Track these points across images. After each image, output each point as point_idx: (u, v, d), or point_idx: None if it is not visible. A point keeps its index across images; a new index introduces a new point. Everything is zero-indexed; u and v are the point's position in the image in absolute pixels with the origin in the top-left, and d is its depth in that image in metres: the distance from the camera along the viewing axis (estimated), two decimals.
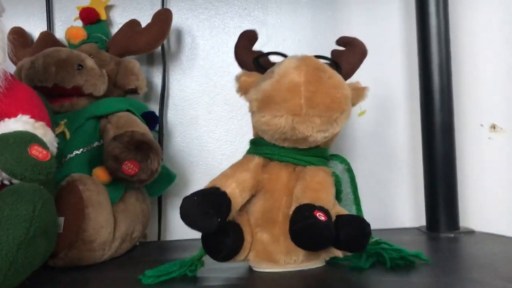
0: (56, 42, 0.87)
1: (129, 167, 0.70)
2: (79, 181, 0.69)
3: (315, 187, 0.59)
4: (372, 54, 0.91)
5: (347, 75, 0.67)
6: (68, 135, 0.75)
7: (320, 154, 0.64)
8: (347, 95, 0.60)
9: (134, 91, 0.84)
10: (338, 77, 0.61)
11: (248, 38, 0.72)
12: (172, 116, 0.93)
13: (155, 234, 0.90)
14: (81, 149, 0.75)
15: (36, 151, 0.53)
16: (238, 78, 0.65)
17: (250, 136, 0.68)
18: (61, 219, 0.66)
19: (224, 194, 0.58)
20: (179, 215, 0.56)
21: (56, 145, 0.61)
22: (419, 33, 0.83)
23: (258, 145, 0.64)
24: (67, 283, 0.62)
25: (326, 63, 0.65)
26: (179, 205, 0.57)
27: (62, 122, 0.75)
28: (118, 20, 0.93)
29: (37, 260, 0.55)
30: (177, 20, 0.92)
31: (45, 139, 0.57)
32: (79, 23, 0.88)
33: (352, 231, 0.57)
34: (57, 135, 0.65)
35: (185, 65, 0.94)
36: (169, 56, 0.93)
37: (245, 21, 0.93)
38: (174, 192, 0.91)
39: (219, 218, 0.56)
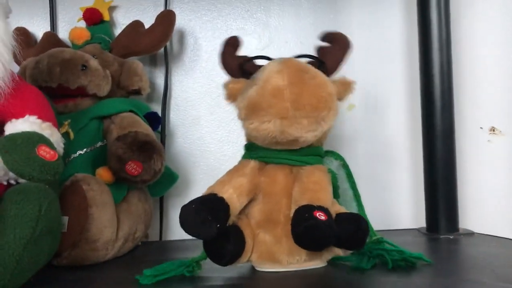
0: (60, 43, 0.88)
1: (132, 168, 0.71)
2: (82, 181, 0.69)
3: (312, 187, 0.60)
4: (374, 56, 0.93)
5: (332, 70, 0.67)
6: (72, 135, 0.75)
7: (314, 152, 0.64)
8: (332, 93, 0.61)
9: (137, 92, 0.84)
10: (322, 76, 0.62)
11: (232, 44, 0.72)
12: (174, 117, 0.94)
13: (157, 234, 0.91)
14: (85, 149, 0.76)
15: (43, 152, 0.54)
16: (225, 86, 0.66)
17: None
18: (65, 219, 0.66)
19: (221, 200, 0.59)
20: None
21: (62, 145, 0.62)
22: (420, 36, 0.84)
23: (252, 149, 0.65)
24: (71, 282, 0.63)
25: (310, 61, 0.65)
26: (180, 205, 0.58)
27: (66, 122, 0.76)
28: (122, 21, 0.93)
29: (42, 259, 0.56)
30: (180, 21, 0.93)
31: (52, 140, 0.58)
32: (83, 24, 0.88)
33: (349, 229, 0.58)
34: (61, 135, 0.65)
35: (187, 66, 0.94)
36: (172, 57, 0.94)
37: (248, 23, 0.94)
38: (176, 193, 0.91)
39: (218, 224, 0.56)
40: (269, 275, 0.61)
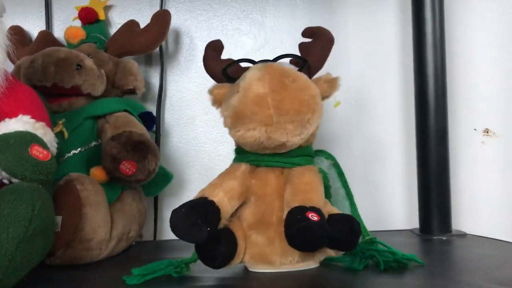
0: (55, 42, 0.88)
1: (126, 167, 0.71)
2: (76, 180, 0.69)
3: (304, 188, 0.60)
4: (369, 57, 0.93)
5: (316, 68, 0.67)
6: (66, 134, 0.75)
7: (303, 153, 0.64)
8: (315, 94, 0.61)
9: (132, 92, 0.84)
10: (303, 78, 0.62)
11: (214, 48, 0.72)
12: (169, 116, 0.94)
13: (151, 233, 0.91)
14: (79, 149, 0.76)
15: (36, 151, 0.54)
16: (211, 92, 0.66)
17: None
18: (59, 218, 0.66)
19: (212, 203, 0.59)
20: None
21: (56, 145, 0.62)
22: (414, 38, 0.85)
23: (242, 153, 0.65)
24: (64, 281, 0.63)
25: (294, 60, 0.65)
26: (175, 205, 0.58)
27: (60, 122, 0.76)
28: (117, 21, 0.93)
29: (35, 259, 0.56)
30: (176, 21, 0.93)
31: (45, 139, 0.58)
32: (78, 23, 0.88)
33: (341, 230, 0.58)
34: (55, 135, 0.65)
35: (182, 66, 0.94)
36: (167, 57, 0.94)
37: (243, 23, 0.94)
38: (170, 192, 0.91)
39: (208, 228, 0.56)
40: (261, 276, 0.61)
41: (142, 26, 0.86)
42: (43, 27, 0.93)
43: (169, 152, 0.93)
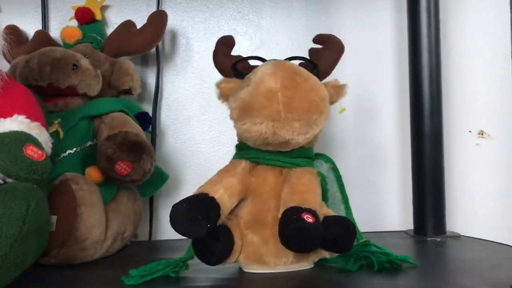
0: (51, 41, 0.87)
1: (122, 167, 0.71)
2: (72, 180, 0.69)
3: (301, 189, 0.60)
4: (364, 59, 0.93)
5: (325, 73, 0.68)
6: (61, 134, 0.75)
7: (304, 154, 0.65)
8: (324, 96, 0.62)
9: (128, 92, 0.84)
10: (314, 79, 0.62)
11: (225, 44, 0.72)
12: (165, 117, 0.94)
13: (146, 233, 0.91)
14: (74, 149, 0.76)
15: (31, 151, 0.54)
16: (218, 85, 0.66)
17: None
18: (54, 218, 0.66)
19: (212, 199, 0.59)
20: None
21: (51, 145, 0.62)
22: (410, 40, 0.85)
23: (243, 149, 0.65)
24: (58, 281, 0.63)
25: (303, 63, 0.66)
26: (170, 205, 0.58)
27: (56, 122, 0.76)
28: (113, 21, 0.93)
29: (29, 258, 0.56)
30: (172, 21, 0.93)
31: (40, 139, 0.58)
32: (74, 23, 0.88)
33: (337, 232, 0.58)
34: (50, 134, 0.65)
35: (179, 67, 0.94)
36: (164, 57, 0.94)
37: (240, 24, 0.94)
38: (165, 192, 0.91)
39: (208, 224, 0.57)
40: (255, 276, 0.61)
41: (138, 26, 0.86)
42: (39, 26, 0.93)
43: (165, 152, 0.93)
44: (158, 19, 0.85)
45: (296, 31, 0.94)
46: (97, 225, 0.70)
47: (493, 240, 0.78)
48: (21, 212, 0.52)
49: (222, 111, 0.93)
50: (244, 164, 0.64)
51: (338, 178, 0.68)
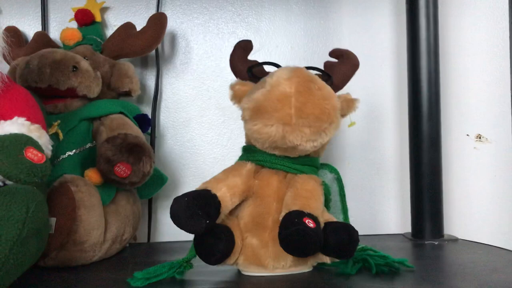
0: (51, 43, 0.87)
1: (121, 170, 0.71)
2: (71, 182, 0.70)
3: (305, 194, 0.60)
4: (362, 63, 0.92)
5: (338, 86, 0.69)
6: (61, 136, 0.75)
7: (310, 163, 0.65)
8: (336, 107, 0.62)
9: (128, 94, 0.85)
10: (328, 88, 0.63)
11: (243, 47, 0.73)
12: (165, 119, 0.94)
13: (145, 235, 0.91)
14: (74, 150, 0.76)
15: (31, 154, 0.54)
16: (232, 87, 0.67)
17: (242, 140, 0.69)
18: (53, 220, 0.66)
19: (214, 196, 0.59)
20: (169, 217, 0.57)
21: (51, 147, 0.62)
22: (409, 44, 0.85)
23: (250, 152, 0.65)
24: (57, 283, 0.63)
25: (318, 74, 0.66)
26: (169, 207, 0.58)
27: (55, 123, 0.76)
28: (113, 23, 0.93)
29: (29, 261, 0.56)
30: (172, 24, 0.93)
31: (40, 142, 0.58)
32: (74, 24, 0.88)
33: (340, 237, 0.59)
34: (50, 136, 0.65)
35: (178, 69, 0.94)
36: (163, 59, 0.94)
37: (239, 27, 0.95)
38: (164, 194, 0.91)
39: (208, 221, 0.57)
40: (254, 279, 0.61)
41: (138, 28, 0.86)
42: (39, 28, 0.93)
43: (164, 154, 0.93)
44: (158, 21, 0.85)
45: (295, 34, 0.94)
46: (96, 227, 0.70)
47: (491, 244, 0.78)
48: (20, 214, 0.52)
49: (221, 113, 0.94)
50: (249, 166, 0.64)
51: (341, 189, 0.69)
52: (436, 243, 0.80)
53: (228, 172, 0.63)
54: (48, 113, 0.77)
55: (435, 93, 0.83)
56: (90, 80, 0.79)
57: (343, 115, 0.65)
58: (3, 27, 0.65)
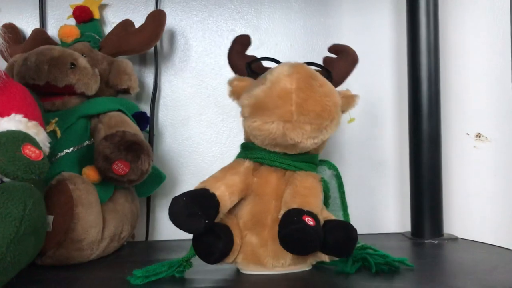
0: (49, 40, 0.87)
1: (119, 167, 0.71)
2: (69, 180, 0.69)
3: (304, 192, 0.60)
4: (362, 61, 0.92)
5: (338, 82, 0.68)
6: (59, 133, 0.75)
7: (310, 160, 0.65)
8: (337, 103, 0.62)
9: (126, 91, 0.84)
10: (329, 85, 0.62)
11: (241, 43, 0.72)
12: (163, 116, 0.93)
13: (143, 234, 0.91)
14: (72, 148, 0.75)
15: (29, 151, 0.53)
16: (230, 83, 0.66)
17: (241, 138, 0.68)
18: (50, 218, 0.66)
19: (213, 196, 0.59)
20: (167, 216, 0.57)
21: (48, 144, 0.61)
22: (409, 43, 0.85)
23: (248, 149, 0.65)
24: (55, 281, 0.62)
25: (318, 70, 0.66)
26: (167, 206, 0.58)
27: (53, 121, 0.75)
28: (112, 20, 0.93)
29: (26, 259, 0.55)
30: (171, 21, 0.93)
31: (37, 139, 0.57)
32: (72, 22, 0.88)
33: (338, 236, 0.58)
34: (48, 134, 0.65)
35: (177, 67, 0.94)
36: (162, 57, 0.94)
37: (238, 25, 0.94)
38: (163, 193, 0.91)
39: (206, 220, 0.56)
40: (253, 278, 0.61)
41: (137, 25, 0.85)
42: (37, 25, 0.92)
43: (162, 152, 0.93)
44: (157, 18, 0.85)
45: (295, 32, 0.94)
46: (94, 225, 0.70)
47: (491, 243, 0.78)
48: (18, 212, 0.52)
49: (220, 111, 0.93)
50: (247, 163, 0.64)
51: (340, 185, 0.69)
52: (435, 242, 0.80)
53: (226, 170, 0.63)
54: (45, 111, 0.77)
55: (435, 91, 0.83)
56: (88, 77, 0.78)
57: (343, 111, 0.65)
58: (1, 24, 0.64)
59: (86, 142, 0.77)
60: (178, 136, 0.94)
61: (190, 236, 0.60)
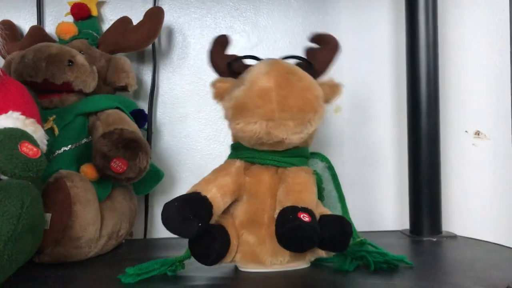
0: (46, 37, 0.87)
1: (117, 165, 0.71)
2: (66, 177, 0.69)
3: (297, 188, 0.60)
4: (361, 58, 0.93)
5: (320, 72, 0.67)
6: (56, 131, 0.75)
7: (300, 154, 0.64)
8: (319, 95, 0.61)
9: (124, 89, 0.84)
10: (309, 78, 0.62)
11: (220, 43, 0.71)
12: (161, 114, 0.93)
13: (141, 231, 0.91)
14: (69, 146, 0.75)
15: (26, 148, 0.53)
16: (213, 85, 0.66)
17: None
18: (48, 216, 0.66)
19: (205, 199, 0.59)
20: None
21: (46, 142, 0.61)
22: (407, 40, 0.85)
23: (238, 149, 0.65)
24: (53, 279, 0.62)
25: (298, 62, 0.65)
26: (166, 203, 0.58)
27: (51, 118, 0.75)
28: (110, 17, 0.92)
29: (23, 257, 0.55)
30: (169, 18, 0.92)
31: (35, 136, 0.57)
32: (70, 19, 0.87)
33: (334, 231, 0.58)
34: (45, 131, 0.65)
35: (175, 64, 0.94)
36: (160, 54, 0.93)
37: (237, 22, 0.94)
38: (161, 190, 0.91)
39: (200, 223, 0.56)
40: (252, 275, 0.61)
41: (135, 22, 0.85)
42: (34, 22, 0.92)
43: (160, 150, 0.93)
44: (155, 15, 0.84)
45: (294, 29, 0.94)
46: (92, 223, 0.70)
47: (489, 241, 0.78)
48: (15, 210, 0.51)
49: (219, 108, 0.92)
50: (238, 163, 0.63)
51: (334, 177, 0.68)
52: (434, 239, 0.80)
53: (217, 172, 0.63)
54: (43, 108, 0.77)
55: (434, 89, 0.83)
56: (86, 74, 0.78)
57: (328, 101, 0.64)
58: None
59: (84, 140, 0.77)
60: (176, 133, 0.93)
61: None
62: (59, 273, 0.64)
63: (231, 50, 0.91)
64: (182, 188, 0.90)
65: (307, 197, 0.59)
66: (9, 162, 0.52)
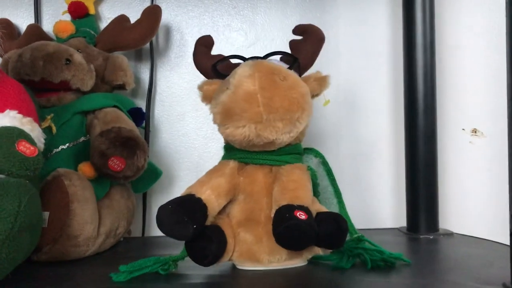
0: (44, 35, 0.87)
1: (115, 163, 0.71)
2: (64, 176, 0.69)
3: (292, 186, 0.60)
4: (358, 56, 0.93)
5: (306, 66, 0.67)
6: (54, 129, 0.75)
7: (293, 151, 0.64)
8: (305, 92, 0.61)
9: (122, 87, 0.84)
10: (293, 76, 0.62)
11: (204, 44, 0.71)
12: (159, 112, 0.93)
13: (139, 229, 0.91)
14: (67, 144, 0.75)
15: (23, 147, 0.53)
16: (200, 88, 0.66)
17: None
18: (46, 214, 0.66)
19: (199, 200, 0.59)
20: None
21: (43, 141, 0.61)
22: (405, 38, 0.85)
23: (231, 150, 0.65)
24: (51, 278, 0.62)
25: (284, 58, 0.65)
26: (163, 202, 0.58)
27: (49, 117, 0.75)
28: (107, 15, 0.92)
29: (21, 255, 0.55)
30: (166, 16, 0.92)
31: (32, 135, 0.57)
32: (68, 17, 0.87)
33: (330, 228, 0.58)
34: (43, 130, 0.65)
35: (173, 62, 0.94)
36: (157, 52, 0.93)
37: (234, 20, 0.94)
38: (159, 189, 0.91)
39: (194, 225, 0.57)
40: (249, 273, 0.61)
41: (132, 21, 0.85)
42: (32, 20, 0.92)
43: (158, 148, 0.93)
44: (152, 14, 0.84)
45: (291, 27, 0.92)
46: (90, 221, 0.70)
47: (486, 238, 0.79)
48: (13, 208, 0.51)
49: None
50: (232, 164, 0.63)
51: (329, 172, 0.68)
52: (431, 237, 0.80)
53: (211, 173, 0.63)
54: (41, 107, 0.77)
55: (431, 87, 0.83)
56: (84, 73, 0.78)
57: (316, 95, 0.64)
58: None
59: (82, 138, 0.77)
60: (174, 132, 0.93)
61: None
62: (57, 271, 0.65)
63: (229, 49, 0.92)
64: (180, 186, 0.91)
65: (302, 194, 0.59)
66: (6, 161, 0.53)
